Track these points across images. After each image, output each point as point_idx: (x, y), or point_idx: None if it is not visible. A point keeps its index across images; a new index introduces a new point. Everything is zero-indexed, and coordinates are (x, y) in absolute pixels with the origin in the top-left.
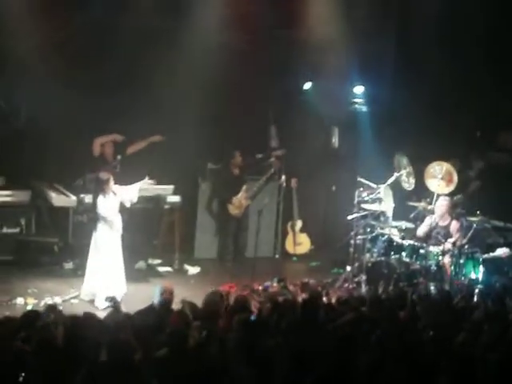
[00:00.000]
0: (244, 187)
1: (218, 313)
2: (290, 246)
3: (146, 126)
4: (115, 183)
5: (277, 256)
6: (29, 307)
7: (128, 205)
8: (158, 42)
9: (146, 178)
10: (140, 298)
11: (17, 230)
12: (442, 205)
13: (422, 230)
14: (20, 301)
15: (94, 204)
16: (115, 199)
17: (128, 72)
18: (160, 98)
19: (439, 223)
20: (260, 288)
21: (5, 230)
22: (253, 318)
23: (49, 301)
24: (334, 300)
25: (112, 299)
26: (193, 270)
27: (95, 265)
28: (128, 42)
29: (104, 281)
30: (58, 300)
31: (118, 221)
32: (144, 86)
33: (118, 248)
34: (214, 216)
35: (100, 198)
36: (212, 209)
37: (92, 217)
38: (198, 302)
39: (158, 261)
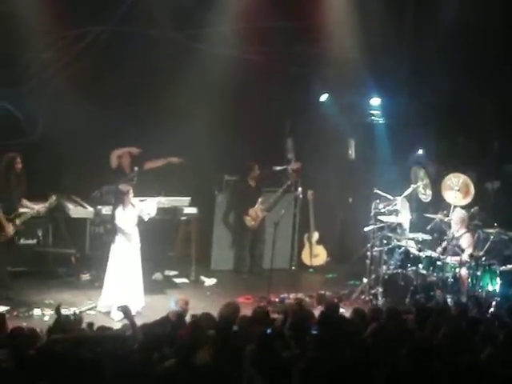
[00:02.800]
0: (260, 199)
1: (233, 324)
2: (306, 258)
3: (163, 139)
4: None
5: (293, 268)
6: (46, 318)
7: (146, 218)
8: (174, 55)
9: (162, 196)
10: (156, 309)
11: (34, 241)
12: (457, 216)
13: (442, 245)
14: (37, 312)
15: (113, 215)
16: (134, 212)
17: (144, 85)
18: (176, 110)
19: (455, 235)
20: (276, 300)
21: (22, 242)
22: (269, 330)
23: (66, 312)
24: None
25: (124, 308)
26: (209, 281)
27: (113, 277)
28: (144, 55)
29: (122, 293)
30: (74, 311)
31: (135, 233)
32: (160, 99)
33: (137, 260)
34: (230, 228)
35: (119, 210)
36: (228, 220)
37: (110, 228)
38: (214, 313)
39: (175, 272)
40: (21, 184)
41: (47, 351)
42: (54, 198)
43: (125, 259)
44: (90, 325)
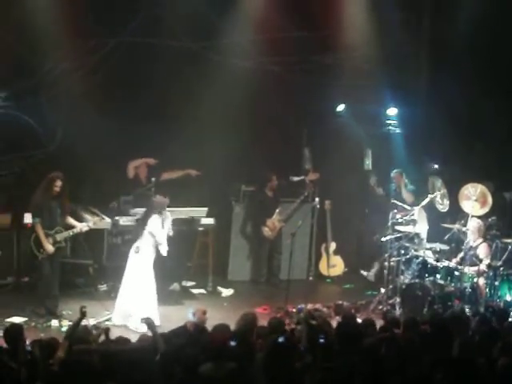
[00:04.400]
0: (278, 210)
1: (251, 334)
2: (323, 268)
3: (180, 149)
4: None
5: (310, 278)
6: (63, 329)
7: (171, 234)
8: (191, 66)
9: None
10: (174, 319)
11: None
12: (474, 226)
13: (459, 255)
14: (55, 323)
15: (144, 224)
16: (166, 223)
17: (161, 96)
18: (193, 121)
19: (472, 245)
20: (294, 310)
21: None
22: (281, 339)
23: (83, 323)
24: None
25: (147, 320)
26: (226, 292)
27: (129, 288)
28: (161, 66)
29: (138, 303)
30: (92, 322)
31: (165, 244)
32: (177, 109)
33: (151, 272)
34: (247, 238)
35: (154, 219)
36: (246, 231)
37: (128, 239)
38: (232, 324)
39: (192, 283)
40: (63, 202)
41: (72, 363)
42: (97, 218)
43: (141, 270)
44: (107, 330)
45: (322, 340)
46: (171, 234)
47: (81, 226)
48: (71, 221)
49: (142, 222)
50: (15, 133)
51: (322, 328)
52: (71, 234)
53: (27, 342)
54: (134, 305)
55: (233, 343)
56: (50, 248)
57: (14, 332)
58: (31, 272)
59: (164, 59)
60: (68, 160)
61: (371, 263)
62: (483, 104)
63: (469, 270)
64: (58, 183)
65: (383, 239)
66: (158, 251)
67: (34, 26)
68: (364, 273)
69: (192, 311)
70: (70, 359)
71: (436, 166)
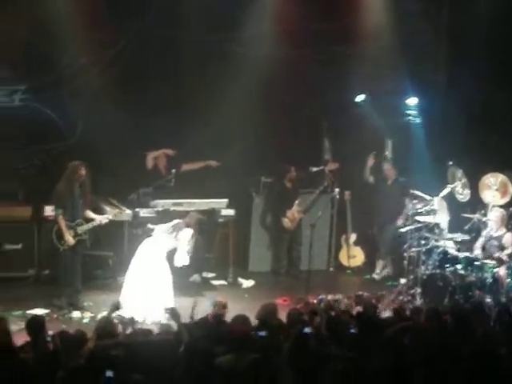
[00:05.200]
0: (297, 201)
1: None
2: (343, 259)
3: (199, 141)
4: (169, 197)
5: (331, 269)
6: (85, 321)
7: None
8: (209, 58)
9: None
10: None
11: None
12: (496, 216)
13: (479, 243)
14: (76, 314)
15: (174, 230)
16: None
17: (180, 88)
18: (212, 112)
19: (493, 234)
20: (314, 301)
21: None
22: (307, 329)
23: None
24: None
25: (172, 311)
26: (247, 283)
27: (144, 281)
28: (179, 58)
29: (156, 296)
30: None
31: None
32: (196, 101)
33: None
34: (267, 229)
35: (185, 231)
36: (265, 222)
37: (148, 230)
38: (252, 315)
39: (213, 274)
40: (85, 194)
41: (98, 357)
42: (117, 210)
43: (158, 261)
44: (132, 322)
45: (352, 330)
46: (190, 252)
47: (100, 219)
48: (90, 214)
49: (172, 228)
50: (35, 126)
51: (341, 318)
52: (91, 226)
53: (49, 334)
54: (153, 297)
55: (262, 333)
56: (70, 240)
57: (36, 324)
58: (52, 264)
59: (183, 52)
60: (88, 152)
61: (385, 257)
62: (498, 97)
63: (489, 260)
64: (83, 171)
65: (403, 230)
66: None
67: (53, 21)
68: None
69: (213, 303)
70: (97, 352)
71: (450, 163)
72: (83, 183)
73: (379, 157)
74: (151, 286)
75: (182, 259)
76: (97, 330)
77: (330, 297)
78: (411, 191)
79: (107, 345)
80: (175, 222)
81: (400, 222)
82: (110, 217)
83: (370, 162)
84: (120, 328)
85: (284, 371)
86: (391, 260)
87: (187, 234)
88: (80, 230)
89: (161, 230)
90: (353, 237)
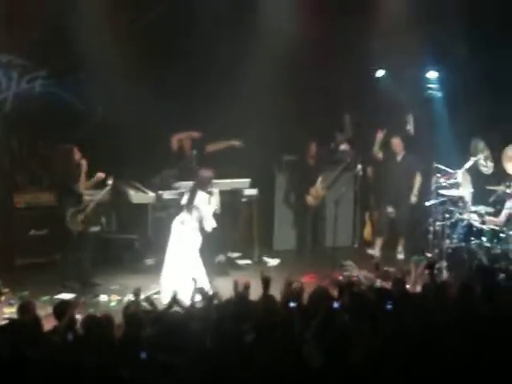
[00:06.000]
0: (320, 178)
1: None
2: (368, 235)
3: (221, 120)
4: (191, 178)
5: (355, 245)
6: (112, 304)
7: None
8: (230, 35)
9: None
10: (220, 290)
11: (98, 228)
12: None
13: (503, 215)
14: (103, 298)
15: (191, 199)
16: (213, 200)
17: (202, 67)
18: (234, 91)
19: None
20: (340, 277)
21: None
22: (336, 305)
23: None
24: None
25: (201, 290)
26: (272, 261)
27: (177, 263)
28: (200, 37)
29: (186, 275)
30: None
31: (210, 220)
32: (217, 80)
33: (198, 244)
34: (291, 207)
35: (200, 195)
36: (289, 200)
37: (173, 213)
38: (278, 293)
39: (238, 254)
40: (82, 175)
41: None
42: (110, 181)
43: (187, 243)
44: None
45: (389, 306)
46: (218, 211)
47: (100, 195)
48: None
49: (188, 197)
50: (56, 111)
51: (368, 294)
52: (95, 203)
53: (78, 318)
54: (184, 279)
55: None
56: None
57: (63, 308)
58: (67, 248)
59: (203, 29)
60: (109, 136)
61: (414, 230)
62: None
63: None
64: (76, 154)
65: (427, 203)
66: (202, 225)
67: (72, 3)
68: (371, 251)
69: (236, 283)
70: (125, 335)
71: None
72: (79, 166)
73: (390, 134)
74: (186, 266)
75: (210, 223)
76: (125, 316)
77: (355, 273)
78: (435, 165)
79: (135, 326)
80: (185, 196)
81: (413, 199)
82: (107, 188)
83: (379, 136)
84: (149, 309)
85: (311, 347)
86: (406, 238)
87: (203, 196)
88: (88, 210)
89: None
90: (376, 213)
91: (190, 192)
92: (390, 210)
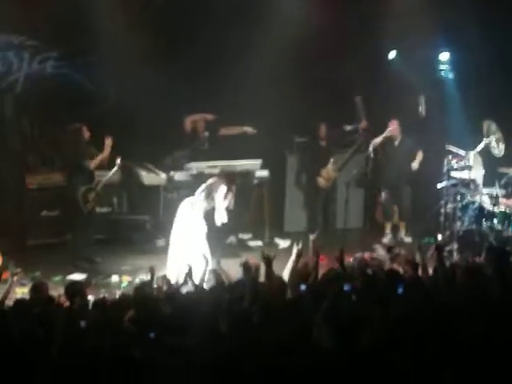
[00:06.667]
0: (332, 159)
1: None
2: (379, 217)
3: (232, 102)
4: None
5: (367, 227)
6: (123, 284)
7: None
8: (243, 19)
9: None
10: (231, 272)
11: (109, 209)
12: None
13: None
14: (115, 278)
15: (210, 189)
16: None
17: (213, 49)
18: (246, 73)
19: None
20: (351, 260)
21: (98, 210)
22: (346, 287)
23: (143, 278)
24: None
25: (214, 271)
26: (283, 243)
27: (182, 246)
28: (212, 19)
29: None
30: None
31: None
32: (230, 61)
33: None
34: (302, 189)
35: (221, 188)
36: (300, 182)
37: (183, 194)
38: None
39: (249, 235)
40: (93, 154)
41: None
42: (119, 160)
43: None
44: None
45: (400, 289)
46: (231, 207)
47: (109, 174)
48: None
49: (208, 187)
50: (68, 92)
51: (376, 277)
52: (104, 182)
53: (90, 299)
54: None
55: (303, 287)
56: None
57: (75, 289)
58: (77, 228)
59: (215, 12)
60: (122, 117)
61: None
62: None
63: None
64: (86, 132)
65: (439, 186)
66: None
67: None
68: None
69: (241, 264)
70: (140, 316)
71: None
72: (89, 144)
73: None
74: (190, 248)
75: (221, 217)
76: (135, 298)
77: (366, 255)
78: (446, 147)
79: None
80: (208, 182)
81: (414, 166)
82: (116, 168)
83: (393, 129)
84: (162, 289)
85: (320, 327)
86: (410, 222)
87: (221, 191)
88: (99, 188)
89: (198, 193)
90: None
91: (207, 187)
92: (383, 195)
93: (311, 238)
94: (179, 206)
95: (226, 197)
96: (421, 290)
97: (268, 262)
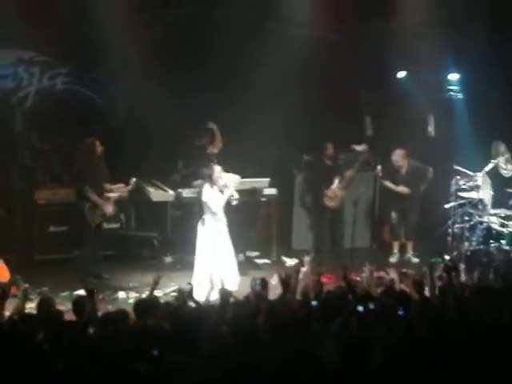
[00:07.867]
0: (338, 178)
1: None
2: (386, 236)
3: (242, 120)
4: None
5: (374, 246)
6: (130, 301)
7: (234, 203)
8: (251, 36)
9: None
10: (239, 289)
11: (117, 225)
12: None
13: None
14: (122, 295)
15: (200, 192)
16: (225, 192)
17: (224, 67)
18: (254, 91)
19: None
20: (358, 279)
21: (106, 226)
22: (360, 308)
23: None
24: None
25: (223, 291)
26: (290, 261)
27: (204, 258)
28: (220, 36)
29: (218, 273)
30: (159, 293)
31: (221, 211)
32: (237, 79)
33: (227, 238)
34: (309, 207)
35: (206, 189)
36: (307, 200)
37: (196, 210)
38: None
39: (256, 253)
40: (104, 169)
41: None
42: (133, 180)
43: (216, 239)
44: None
45: (400, 312)
46: (234, 203)
47: (120, 192)
48: (109, 186)
49: (197, 194)
50: (78, 108)
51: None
52: (113, 199)
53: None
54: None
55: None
56: (109, 208)
57: (83, 305)
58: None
59: (223, 29)
60: (130, 133)
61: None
62: None
63: None
64: (99, 147)
65: (447, 206)
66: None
67: (95, 2)
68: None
69: (254, 282)
70: (140, 329)
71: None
72: (101, 159)
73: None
74: (221, 261)
75: (231, 193)
76: (136, 310)
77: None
78: (455, 167)
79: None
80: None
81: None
82: (129, 187)
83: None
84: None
85: (329, 345)
86: (417, 242)
87: (217, 170)
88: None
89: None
90: (394, 215)
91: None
92: (393, 216)
93: (306, 260)
94: (189, 223)
95: (217, 195)
96: (430, 310)
97: (286, 284)
